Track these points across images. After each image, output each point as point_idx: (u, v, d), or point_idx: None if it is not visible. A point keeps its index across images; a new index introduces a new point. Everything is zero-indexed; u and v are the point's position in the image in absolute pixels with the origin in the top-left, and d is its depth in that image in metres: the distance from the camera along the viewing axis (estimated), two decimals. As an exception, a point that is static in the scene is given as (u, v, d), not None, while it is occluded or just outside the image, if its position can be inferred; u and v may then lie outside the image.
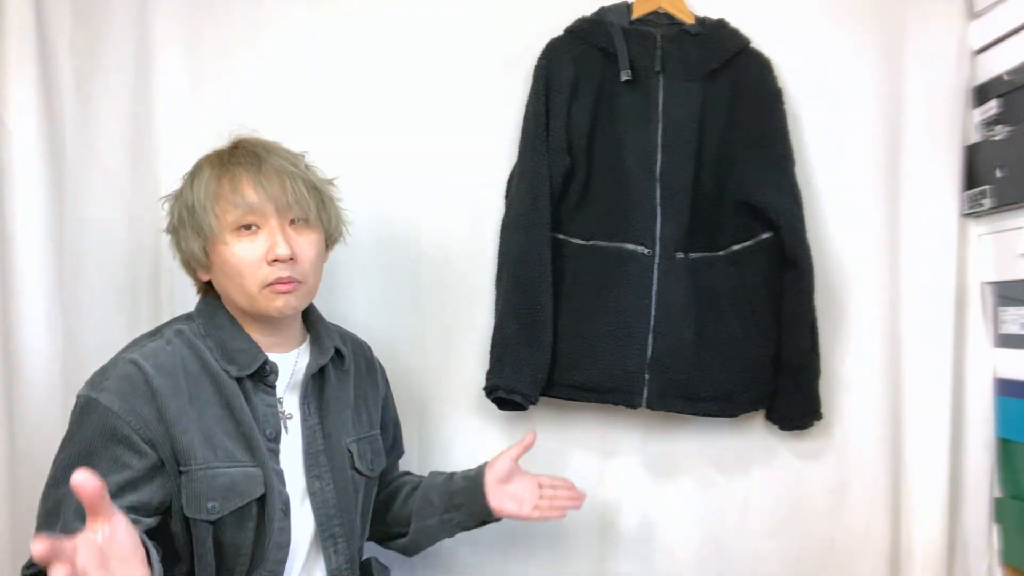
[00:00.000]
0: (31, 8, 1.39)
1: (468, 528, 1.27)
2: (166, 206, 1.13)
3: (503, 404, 1.40)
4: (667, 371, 1.39)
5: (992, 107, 1.46)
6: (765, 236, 1.44)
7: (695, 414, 1.43)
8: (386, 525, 1.30)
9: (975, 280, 1.51)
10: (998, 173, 1.43)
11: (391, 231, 1.48)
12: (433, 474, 1.32)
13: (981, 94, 1.50)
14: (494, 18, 1.49)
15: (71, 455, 0.99)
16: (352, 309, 1.45)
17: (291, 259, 1.06)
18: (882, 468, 1.51)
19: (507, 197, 1.45)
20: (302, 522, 1.11)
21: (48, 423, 1.35)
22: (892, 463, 1.51)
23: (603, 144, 1.44)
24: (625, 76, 1.41)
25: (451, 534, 1.27)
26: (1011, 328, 1.44)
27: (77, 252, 1.41)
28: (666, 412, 1.42)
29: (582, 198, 1.44)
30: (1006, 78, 1.43)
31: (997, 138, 1.44)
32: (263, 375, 1.10)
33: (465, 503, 1.24)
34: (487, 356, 1.41)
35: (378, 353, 1.34)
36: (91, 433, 0.99)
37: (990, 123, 1.47)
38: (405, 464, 1.42)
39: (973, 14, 1.50)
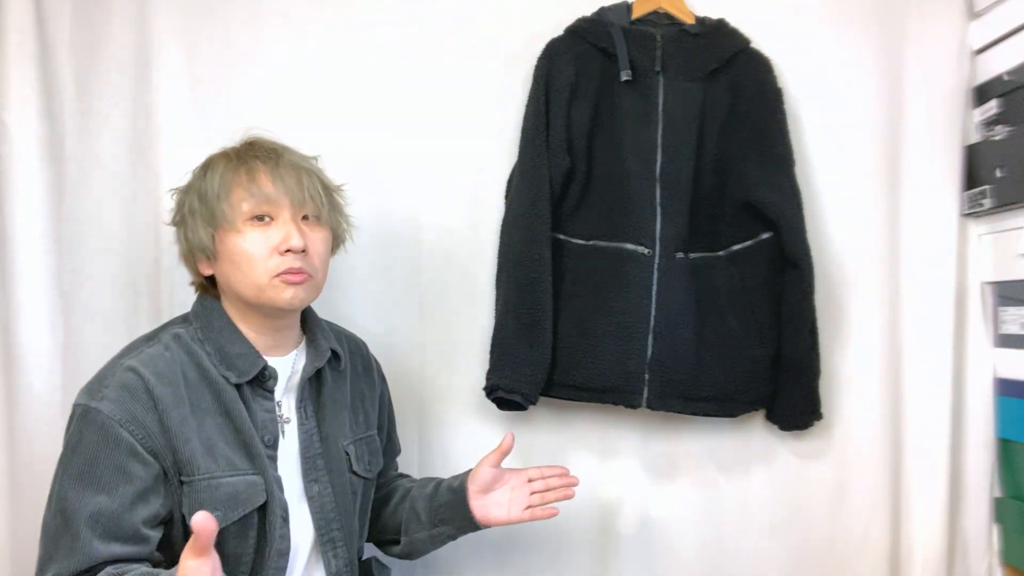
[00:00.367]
0: (31, 8, 1.39)
1: (459, 537, 1.24)
2: (174, 198, 1.12)
3: (503, 404, 1.40)
4: (667, 371, 1.38)
5: (992, 107, 1.46)
6: (765, 236, 1.44)
7: (695, 414, 1.43)
8: (378, 531, 1.29)
9: (975, 280, 1.51)
10: (998, 173, 1.43)
11: (391, 231, 1.48)
12: (422, 482, 1.29)
13: (981, 94, 1.50)
14: (494, 18, 1.49)
15: (76, 468, 0.97)
16: (352, 309, 1.45)
17: (303, 251, 1.06)
18: (882, 468, 1.51)
19: (507, 197, 1.45)
20: (301, 527, 1.10)
21: (48, 422, 1.35)
22: (892, 463, 1.51)
23: (603, 144, 1.44)
24: (625, 76, 1.41)
25: (444, 544, 1.25)
26: (1011, 328, 1.44)
27: (77, 252, 1.41)
28: (666, 412, 1.42)
29: (582, 198, 1.44)
30: (1006, 78, 1.43)
31: (997, 138, 1.44)
32: (262, 381, 1.09)
33: (450, 518, 1.21)
34: (487, 356, 1.40)
35: (378, 353, 1.34)
36: (93, 444, 0.97)
37: (990, 123, 1.47)
38: (405, 464, 1.42)
39: (973, 14, 1.50)
